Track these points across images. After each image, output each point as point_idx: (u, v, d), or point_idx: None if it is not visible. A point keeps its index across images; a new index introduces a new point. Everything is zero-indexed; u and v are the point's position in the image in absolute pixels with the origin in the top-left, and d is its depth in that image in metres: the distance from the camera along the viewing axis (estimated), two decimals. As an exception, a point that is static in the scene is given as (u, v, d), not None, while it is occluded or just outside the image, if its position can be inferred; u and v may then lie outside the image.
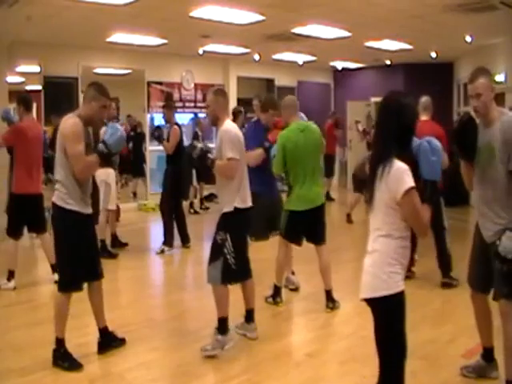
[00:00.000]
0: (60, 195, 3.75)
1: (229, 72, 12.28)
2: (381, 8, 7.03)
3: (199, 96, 11.88)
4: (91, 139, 3.92)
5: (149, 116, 11.22)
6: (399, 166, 2.45)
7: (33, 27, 7.81)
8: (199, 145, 4.09)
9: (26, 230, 5.75)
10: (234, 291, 4.11)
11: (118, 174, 10.97)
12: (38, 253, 6.62)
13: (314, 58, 11.88)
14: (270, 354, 4.01)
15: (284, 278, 5.24)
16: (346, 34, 8.74)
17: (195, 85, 11.85)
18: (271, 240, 5.51)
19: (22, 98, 5.67)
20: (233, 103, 10.92)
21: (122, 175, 11.70)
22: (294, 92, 13.68)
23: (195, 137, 10.10)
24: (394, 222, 2.50)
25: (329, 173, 11.33)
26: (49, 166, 5.54)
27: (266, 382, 3.61)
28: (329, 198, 11.10)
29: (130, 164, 11.54)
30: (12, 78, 9.22)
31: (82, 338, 4.18)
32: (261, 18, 7.54)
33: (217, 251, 3.91)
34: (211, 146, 4.56)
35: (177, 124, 7.18)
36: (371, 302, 2.56)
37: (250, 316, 4.27)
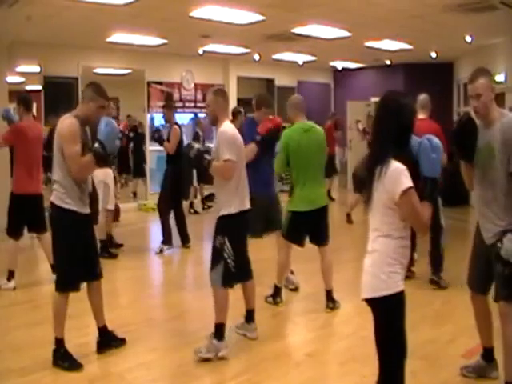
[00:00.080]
0: (58, 195, 3.75)
1: (229, 72, 12.28)
2: (381, 8, 7.03)
3: (199, 96, 11.88)
4: (89, 139, 3.90)
5: (149, 116, 11.22)
6: (396, 167, 2.45)
7: (33, 27, 7.81)
8: (196, 145, 4.05)
9: (26, 229, 5.76)
10: (234, 291, 4.10)
11: (117, 174, 11.02)
12: (38, 253, 6.61)
13: (314, 58, 11.88)
14: (270, 354, 4.01)
15: (284, 278, 5.24)
16: (346, 34, 8.74)
17: (195, 85, 11.85)
18: (271, 240, 5.51)
19: (22, 98, 5.68)
20: (233, 103, 10.92)
21: (122, 175, 11.71)
22: (293, 92, 13.68)
23: (196, 137, 10.09)
24: (393, 222, 2.50)
25: (329, 172, 11.33)
26: (48, 165, 5.54)
27: (266, 381, 3.61)
28: (329, 197, 11.10)
29: (129, 164, 11.56)
30: (12, 78, 9.23)
31: (82, 338, 4.18)
32: (261, 17, 7.54)
33: (217, 255, 3.90)
34: (211, 146, 4.56)
35: (177, 124, 7.19)
36: (371, 302, 2.56)
37: (250, 316, 4.27)
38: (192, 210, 10.11)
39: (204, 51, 10.50)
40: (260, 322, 4.36)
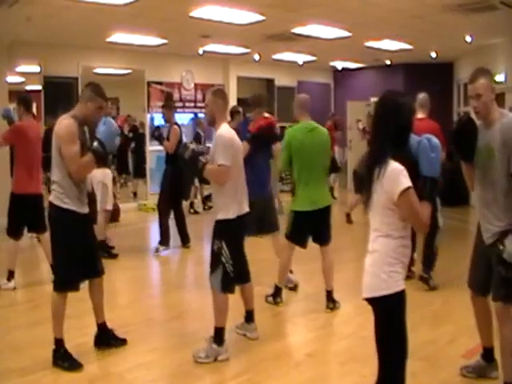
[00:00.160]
0: (57, 195, 3.76)
1: (229, 72, 12.28)
2: (381, 8, 7.03)
3: (199, 96, 11.88)
4: (87, 139, 3.89)
5: (149, 116, 11.22)
6: (394, 167, 2.45)
7: (33, 27, 7.81)
8: (191, 146, 3.97)
9: (26, 229, 5.76)
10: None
11: (116, 174, 11.02)
12: (38, 253, 6.61)
13: (314, 58, 11.88)
14: (270, 354, 4.01)
15: (285, 279, 5.24)
16: (346, 33, 8.74)
17: (195, 85, 11.85)
18: (271, 241, 5.52)
19: (22, 98, 5.68)
20: (233, 103, 10.91)
21: (122, 175, 11.72)
22: (293, 92, 13.69)
23: (197, 137, 10.09)
24: (393, 223, 2.50)
25: (331, 170, 11.35)
26: (46, 165, 5.54)
27: (266, 381, 3.61)
28: (332, 196, 11.18)
29: (128, 164, 11.57)
30: (12, 78, 9.23)
31: (82, 338, 4.18)
32: (261, 17, 7.54)
33: (215, 260, 3.86)
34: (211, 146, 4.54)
35: (176, 124, 7.18)
36: (372, 302, 2.56)
37: (249, 316, 4.27)
38: (192, 210, 10.10)
39: (204, 51, 10.50)
40: (260, 322, 4.36)
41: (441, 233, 5.48)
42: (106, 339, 4.07)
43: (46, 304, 3.91)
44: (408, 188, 2.42)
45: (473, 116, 3.29)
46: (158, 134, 7.04)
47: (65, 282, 3.78)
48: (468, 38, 8.99)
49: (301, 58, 11.95)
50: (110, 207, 7.04)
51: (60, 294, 3.79)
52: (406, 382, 2.55)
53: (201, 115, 11.70)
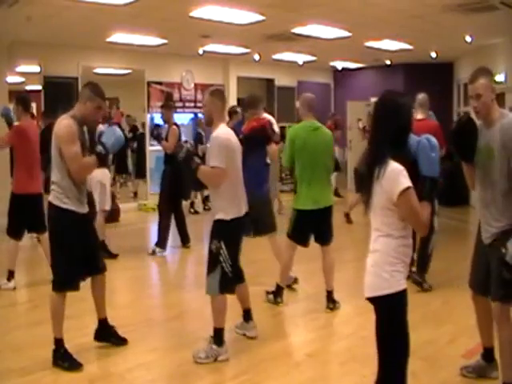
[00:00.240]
0: (56, 195, 3.77)
1: (229, 72, 12.28)
2: (381, 8, 7.03)
3: (199, 96, 11.86)
4: (86, 139, 3.91)
5: (149, 116, 11.22)
6: (394, 168, 2.45)
7: (33, 27, 7.81)
8: (186, 146, 3.90)
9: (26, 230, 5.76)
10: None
11: (116, 174, 11.02)
12: (38, 253, 6.61)
13: (314, 58, 11.88)
14: (270, 354, 4.01)
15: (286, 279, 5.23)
16: (346, 33, 8.74)
17: (195, 85, 11.85)
18: (269, 242, 5.51)
19: (21, 98, 5.66)
20: (233, 103, 10.91)
21: (121, 175, 11.72)
22: (293, 92, 13.71)
23: (198, 137, 10.08)
24: (393, 223, 2.50)
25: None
26: (45, 165, 5.54)
27: (266, 381, 3.62)
28: (338, 195, 11.41)
29: (127, 164, 11.57)
30: (12, 78, 9.23)
31: (82, 338, 4.18)
32: (261, 17, 7.54)
33: (213, 261, 3.83)
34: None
35: (175, 124, 7.17)
36: (374, 301, 2.56)
37: (247, 315, 4.27)
38: (192, 210, 10.10)
39: (204, 51, 10.49)
40: (260, 321, 4.36)
41: (436, 235, 5.43)
42: (106, 335, 4.09)
43: (46, 304, 3.91)
44: (408, 188, 2.41)
45: (473, 116, 3.29)
46: (156, 134, 7.03)
47: (64, 281, 3.78)
48: (468, 38, 8.99)
49: (301, 58, 11.95)
50: (108, 207, 7.04)
51: (59, 293, 3.79)
52: (407, 381, 2.56)
53: (201, 115, 11.70)
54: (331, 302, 4.91)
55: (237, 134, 4.13)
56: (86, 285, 3.99)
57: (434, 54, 10.91)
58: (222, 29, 8.20)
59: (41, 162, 5.67)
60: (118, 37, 8.89)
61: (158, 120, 9.36)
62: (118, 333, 4.14)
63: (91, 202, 6.01)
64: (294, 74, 13.53)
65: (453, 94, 12.49)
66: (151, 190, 11.00)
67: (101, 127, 5.58)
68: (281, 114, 12.97)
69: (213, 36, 9.09)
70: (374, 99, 12.50)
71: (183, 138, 7.30)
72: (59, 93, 9.51)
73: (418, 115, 5.42)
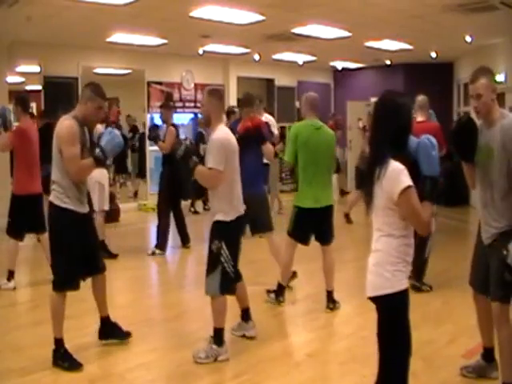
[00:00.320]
0: (57, 194, 3.78)
1: (229, 72, 12.28)
2: (381, 8, 7.03)
3: (199, 96, 11.86)
4: (87, 139, 3.92)
5: (149, 116, 11.21)
6: (395, 167, 2.45)
7: (33, 27, 7.81)
8: (186, 143, 3.87)
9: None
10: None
11: (115, 174, 11.01)
12: (38, 253, 6.60)
13: (314, 58, 11.88)
14: (270, 354, 4.01)
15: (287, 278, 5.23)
16: (346, 34, 8.74)
17: (195, 85, 11.85)
18: (266, 241, 5.51)
19: (20, 99, 5.64)
20: (233, 103, 10.93)
21: (121, 175, 11.72)
22: (293, 92, 13.71)
23: (199, 136, 10.08)
24: (394, 222, 2.50)
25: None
26: (44, 160, 5.53)
27: (265, 382, 3.61)
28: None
29: (126, 164, 11.57)
30: (12, 78, 9.23)
31: (82, 339, 4.18)
32: (261, 17, 7.54)
33: (214, 261, 3.81)
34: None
35: (173, 125, 7.16)
36: (376, 300, 2.57)
37: (246, 314, 4.26)
38: (193, 209, 10.09)
39: (204, 51, 10.49)
40: (260, 321, 4.36)
41: (432, 240, 5.36)
42: (110, 332, 4.11)
43: (46, 304, 3.91)
44: (408, 187, 2.42)
45: (473, 116, 3.29)
46: (153, 135, 7.01)
47: (64, 281, 3.79)
48: (468, 38, 8.99)
49: (301, 58, 11.95)
50: (107, 207, 7.04)
51: (59, 293, 3.79)
52: (408, 381, 2.56)
53: (201, 115, 11.71)
54: (331, 302, 4.91)
55: (233, 133, 4.13)
56: (86, 285, 3.99)
57: (433, 54, 10.92)
58: (222, 29, 8.20)
59: (40, 158, 5.67)
60: (118, 37, 8.90)
61: (158, 120, 9.36)
62: (121, 327, 4.15)
63: (89, 202, 6.02)
64: (294, 74, 13.53)
65: (453, 94, 12.49)
66: (151, 190, 11.00)
67: (99, 128, 5.58)
68: (281, 114, 12.98)
69: (213, 36, 9.09)
70: (374, 99, 12.50)
71: (182, 137, 7.29)
72: (59, 93, 9.51)
73: (418, 117, 5.41)
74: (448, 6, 6.98)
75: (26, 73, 9.93)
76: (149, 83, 11.10)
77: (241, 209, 3.94)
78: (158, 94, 11.26)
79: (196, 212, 10.16)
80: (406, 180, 2.42)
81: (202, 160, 3.93)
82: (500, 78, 9.10)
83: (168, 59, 11.14)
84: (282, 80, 13.49)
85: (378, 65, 13.01)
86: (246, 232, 5.06)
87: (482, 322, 3.48)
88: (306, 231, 4.89)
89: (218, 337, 3.86)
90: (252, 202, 4.71)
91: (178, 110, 11.32)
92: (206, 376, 3.73)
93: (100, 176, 6.68)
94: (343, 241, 7.62)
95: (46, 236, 5.58)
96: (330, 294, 4.92)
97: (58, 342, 3.78)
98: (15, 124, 5.65)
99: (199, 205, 10.43)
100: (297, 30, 8.54)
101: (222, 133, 3.85)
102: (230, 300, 4.04)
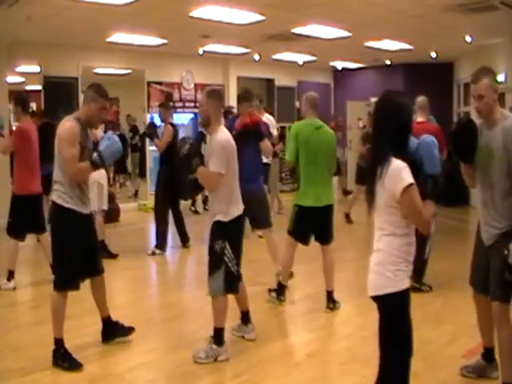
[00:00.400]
0: (59, 194, 3.79)
1: (229, 72, 12.28)
2: (381, 8, 7.03)
3: (199, 96, 11.86)
4: (89, 140, 3.93)
5: (149, 116, 11.21)
6: (397, 165, 2.46)
7: (33, 27, 7.81)
8: (190, 141, 3.86)
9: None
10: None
11: (115, 174, 11.00)
12: (38, 253, 6.60)
13: (314, 58, 11.88)
14: (270, 354, 4.01)
15: (277, 274, 5.24)
16: (346, 33, 8.74)
17: (195, 85, 11.84)
18: (264, 238, 5.51)
19: (20, 99, 5.63)
20: (233, 103, 10.92)
21: (121, 175, 11.71)
22: (294, 92, 13.70)
23: (201, 136, 10.03)
24: (396, 221, 2.50)
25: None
26: (43, 159, 5.53)
27: (265, 381, 3.61)
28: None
29: (125, 164, 11.56)
30: (12, 78, 9.23)
31: (82, 339, 4.18)
32: (261, 17, 7.54)
33: (217, 261, 3.80)
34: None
35: (171, 124, 7.15)
36: (377, 300, 2.57)
37: (246, 317, 4.25)
38: (193, 208, 10.08)
39: (204, 51, 10.49)
40: (260, 321, 4.37)
41: (432, 240, 5.34)
42: (112, 331, 4.12)
43: (46, 304, 3.92)
44: (410, 184, 2.42)
45: (473, 117, 3.29)
46: (149, 132, 7.01)
47: (65, 281, 3.79)
48: (468, 38, 8.99)
49: (301, 58, 11.95)
50: (105, 207, 7.04)
51: (60, 293, 3.79)
52: (409, 381, 2.56)
53: (200, 115, 11.70)
54: (331, 302, 4.91)
55: (230, 130, 4.13)
56: (86, 285, 3.99)
57: (433, 54, 10.91)
58: (221, 29, 8.20)
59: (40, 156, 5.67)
60: (118, 37, 8.89)
61: (158, 121, 9.36)
62: (123, 324, 4.17)
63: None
64: (294, 74, 13.53)
65: (453, 94, 12.49)
66: (151, 189, 10.99)
67: (98, 132, 5.60)
68: (281, 114, 12.98)
69: (213, 36, 9.09)
70: (374, 99, 12.52)
71: (181, 136, 7.28)
72: (59, 93, 9.52)
73: (418, 118, 5.41)
74: (448, 6, 6.98)
75: (25, 73, 9.94)
76: (149, 83, 11.09)
77: (240, 208, 3.94)
78: (158, 94, 11.26)
79: (196, 212, 10.14)
80: (408, 178, 2.43)
81: (201, 160, 3.92)
82: (500, 78, 9.11)
83: (168, 59, 11.14)
84: (281, 80, 13.49)
85: (378, 65, 13.01)
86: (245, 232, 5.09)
87: (482, 321, 3.48)
88: (306, 230, 4.90)
89: (218, 337, 3.86)
90: (251, 197, 4.73)
91: (178, 110, 11.32)
92: (205, 376, 3.73)
93: (99, 176, 6.67)
94: (343, 241, 7.62)
95: (45, 236, 5.59)
96: (329, 294, 4.92)
97: (58, 342, 3.78)
98: (15, 124, 5.65)
99: (199, 205, 10.43)
100: (297, 30, 8.53)
101: (224, 135, 3.84)
102: (231, 300, 4.04)
